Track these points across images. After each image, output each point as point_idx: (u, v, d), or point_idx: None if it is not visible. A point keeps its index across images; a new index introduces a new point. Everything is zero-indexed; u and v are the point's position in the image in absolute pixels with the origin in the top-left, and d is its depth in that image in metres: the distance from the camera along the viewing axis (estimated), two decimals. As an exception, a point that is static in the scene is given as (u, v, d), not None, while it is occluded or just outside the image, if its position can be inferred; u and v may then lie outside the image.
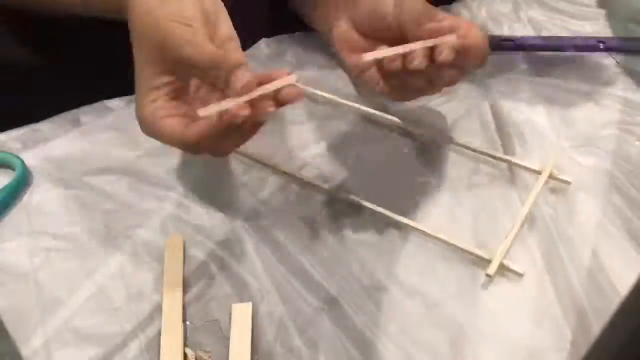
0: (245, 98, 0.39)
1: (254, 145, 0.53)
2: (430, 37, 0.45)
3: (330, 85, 0.59)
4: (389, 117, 0.55)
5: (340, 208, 0.48)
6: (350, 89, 0.58)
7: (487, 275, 0.43)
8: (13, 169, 0.49)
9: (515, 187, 0.50)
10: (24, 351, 0.40)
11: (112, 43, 0.47)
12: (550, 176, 0.49)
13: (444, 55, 0.45)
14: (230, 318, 0.41)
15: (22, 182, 0.49)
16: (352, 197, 0.48)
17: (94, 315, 0.42)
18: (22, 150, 0.51)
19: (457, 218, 0.48)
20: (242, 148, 0.52)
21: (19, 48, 0.55)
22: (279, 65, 0.60)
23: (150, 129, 0.41)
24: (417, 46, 0.45)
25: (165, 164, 0.51)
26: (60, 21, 0.52)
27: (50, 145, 0.52)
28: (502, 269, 0.44)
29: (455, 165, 0.52)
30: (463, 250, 0.45)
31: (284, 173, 0.51)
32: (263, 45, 0.62)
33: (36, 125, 0.54)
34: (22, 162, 0.50)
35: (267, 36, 0.63)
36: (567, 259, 0.45)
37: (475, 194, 0.50)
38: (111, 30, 0.52)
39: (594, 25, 0.65)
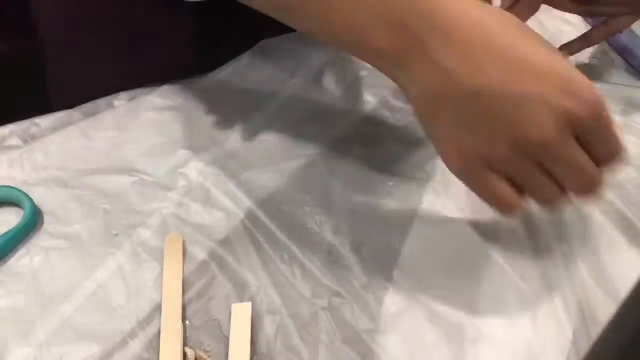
0: None
1: (254, 144, 0.53)
2: None
3: (330, 85, 0.59)
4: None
5: (340, 208, 0.48)
6: (349, 89, 0.58)
7: None
8: (22, 207, 0.46)
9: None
10: (24, 349, 0.40)
11: (114, 40, 0.47)
12: None
13: None
14: (230, 318, 0.41)
15: (30, 225, 0.45)
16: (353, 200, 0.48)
17: (94, 314, 0.42)
18: (21, 147, 0.51)
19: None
20: (243, 146, 0.53)
21: (18, 42, 0.55)
22: (279, 66, 0.60)
23: None
24: None
25: (165, 164, 0.51)
26: (60, 16, 0.52)
27: (49, 144, 0.52)
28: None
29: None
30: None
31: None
32: (263, 45, 0.62)
33: (35, 122, 0.54)
34: (32, 202, 0.46)
35: (268, 36, 0.63)
36: (567, 258, 0.45)
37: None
38: (114, 26, 0.52)
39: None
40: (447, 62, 0.37)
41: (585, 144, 0.37)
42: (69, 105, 0.55)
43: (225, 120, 0.55)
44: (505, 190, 0.39)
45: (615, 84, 0.59)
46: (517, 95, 0.36)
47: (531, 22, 0.65)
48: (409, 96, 0.40)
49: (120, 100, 0.56)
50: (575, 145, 0.37)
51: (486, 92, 0.36)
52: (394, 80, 0.40)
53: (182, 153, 0.52)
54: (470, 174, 0.40)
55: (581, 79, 0.37)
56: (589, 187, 0.39)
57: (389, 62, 0.39)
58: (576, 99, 0.36)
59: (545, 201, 0.41)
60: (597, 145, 0.38)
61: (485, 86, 0.36)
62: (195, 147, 0.53)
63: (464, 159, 0.39)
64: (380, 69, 0.40)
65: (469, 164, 0.39)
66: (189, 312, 0.42)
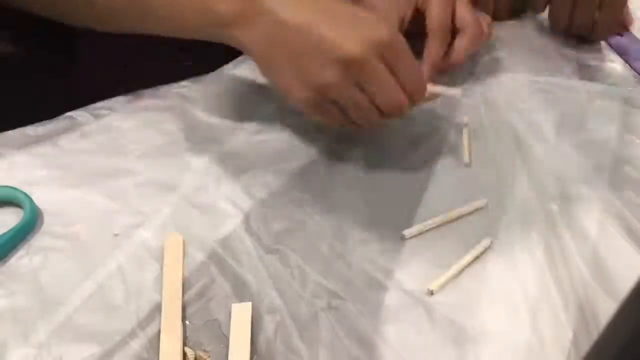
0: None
1: (254, 144, 0.53)
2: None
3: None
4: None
5: (340, 208, 0.48)
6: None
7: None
8: (22, 207, 0.46)
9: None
10: (24, 350, 0.40)
11: (115, 43, 0.47)
12: None
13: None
14: (230, 318, 0.41)
15: (30, 225, 0.45)
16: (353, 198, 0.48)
17: (94, 314, 0.42)
18: (22, 149, 0.51)
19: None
20: (242, 147, 0.53)
21: (18, 47, 0.55)
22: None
23: None
24: None
25: (165, 164, 0.51)
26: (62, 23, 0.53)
27: (50, 144, 0.52)
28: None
29: (452, 170, 0.52)
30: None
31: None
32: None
33: (35, 124, 0.54)
34: (32, 202, 0.46)
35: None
36: (568, 258, 0.45)
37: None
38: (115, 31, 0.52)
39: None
40: (279, 13, 0.46)
41: (391, 70, 0.46)
42: (69, 107, 0.55)
43: (226, 121, 0.55)
44: (336, 112, 0.48)
45: (615, 84, 0.59)
46: (333, 27, 0.45)
47: (532, 21, 0.65)
48: (250, 53, 0.48)
49: (120, 101, 0.56)
50: (383, 67, 0.46)
51: (312, 30, 0.45)
52: (235, 44, 0.48)
53: (182, 153, 0.52)
54: (311, 102, 0.48)
55: (384, 21, 0.48)
56: (396, 104, 0.47)
57: (230, 26, 0.47)
58: (377, 30, 0.45)
59: (364, 118, 0.48)
60: (400, 71, 0.46)
61: (312, 26, 0.45)
62: (195, 147, 0.53)
63: (304, 90, 0.47)
64: (222, 37, 0.48)
65: (309, 93, 0.47)
66: (189, 312, 0.42)
